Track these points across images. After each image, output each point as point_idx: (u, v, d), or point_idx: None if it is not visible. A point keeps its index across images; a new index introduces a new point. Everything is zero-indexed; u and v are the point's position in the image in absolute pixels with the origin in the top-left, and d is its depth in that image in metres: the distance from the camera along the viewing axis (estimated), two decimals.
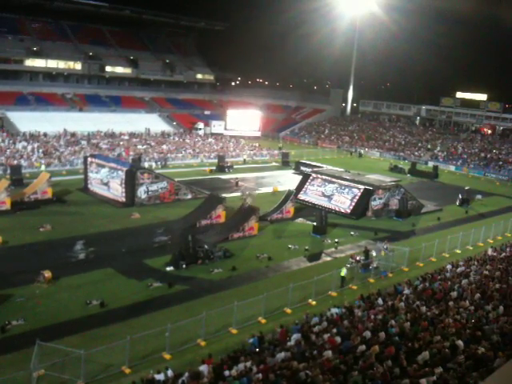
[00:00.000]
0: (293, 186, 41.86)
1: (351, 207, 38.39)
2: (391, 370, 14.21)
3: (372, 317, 18.65)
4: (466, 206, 43.46)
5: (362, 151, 75.97)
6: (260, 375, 14.25)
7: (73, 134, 62.73)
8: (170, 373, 15.05)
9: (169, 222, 33.21)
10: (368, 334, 16.93)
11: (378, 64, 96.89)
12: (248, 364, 14.98)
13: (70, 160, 51.13)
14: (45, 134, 61.05)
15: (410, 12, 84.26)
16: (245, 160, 60.74)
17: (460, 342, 15.83)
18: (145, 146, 61.40)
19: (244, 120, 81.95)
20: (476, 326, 17.27)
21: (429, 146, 75.79)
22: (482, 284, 22.37)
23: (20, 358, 16.56)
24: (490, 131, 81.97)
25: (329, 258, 29.05)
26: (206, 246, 27.51)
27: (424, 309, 19.32)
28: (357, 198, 38.57)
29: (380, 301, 20.72)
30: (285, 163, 59.32)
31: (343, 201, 39.15)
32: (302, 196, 41.27)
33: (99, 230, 30.64)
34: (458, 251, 31.08)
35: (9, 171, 42.40)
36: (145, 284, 23.33)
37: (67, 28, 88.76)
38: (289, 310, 21.58)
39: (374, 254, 28.12)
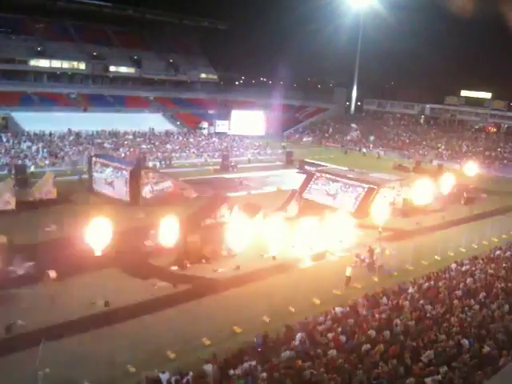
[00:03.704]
0: (297, 185, 41.85)
1: (356, 206, 38.34)
2: (396, 369, 14.20)
3: (376, 316, 18.63)
4: (471, 205, 43.31)
5: (365, 150, 75.95)
6: (264, 374, 14.26)
7: (77, 134, 62.92)
8: (173, 379, 14.99)
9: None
10: (373, 332, 16.90)
11: (382, 63, 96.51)
12: (252, 363, 14.99)
13: (74, 160, 51.29)
14: (49, 134, 61.26)
15: (414, 10, 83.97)
16: (249, 159, 60.76)
17: (465, 341, 15.80)
18: (149, 146, 61.52)
19: (248, 120, 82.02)
20: (481, 325, 17.22)
21: (438, 145, 75.59)
22: (487, 283, 22.31)
23: (25, 357, 16.58)
24: (494, 129, 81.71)
25: (333, 257, 29.02)
26: (210, 245, 27.54)
27: (429, 307, 19.28)
28: (361, 196, 38.52)
29: (384, 299, 20.69)
30: (289, 162, 59.33)
31: (348, 200, 39.10)
32: (306, 195, 41.23)
33: None
34: (463, 250, 30.97)
35: (13, 171, 42.57)
36: (149, 283, 23.37)
37: (71, 28, 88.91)
38: (293, 309, 21.56)
39: (378, 251, 28.11)
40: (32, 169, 45.49)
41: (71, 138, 61.43)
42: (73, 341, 17.61)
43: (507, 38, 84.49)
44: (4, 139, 56.13)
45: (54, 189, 37.04)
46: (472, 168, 47.85)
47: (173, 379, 14.84)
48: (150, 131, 71.00)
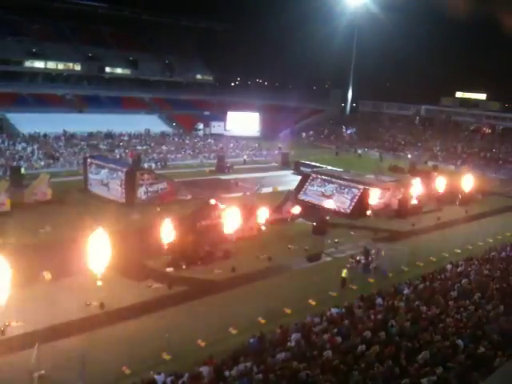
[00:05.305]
0: (293, 187, 41.88)
1: (351, 207, 38.42)
2: (391, 370, 14.20)
3: (372, 317, 18.64)
4: (466, 206, 43.41)
5: (360, 151, 76.14)
6: (260, 375, 14.24)
7: (72, 135, 62.76)
8: (169, 379, 14.96)
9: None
10: (368, 333, 16.91)
11: (378, 64, 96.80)
12: (248, 364, 14.97)
13: (69, 161, 51.17)
14: (44, 135, 61.07)
15: (409, 12, 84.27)
16: (245, 160, 60.78)
17: (460, 342, 15.82)
18: (144, 147, 61.45)
19: (244, 121, 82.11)
20: (476, 326, 17.26)
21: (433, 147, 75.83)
22: (482, 283, 22.36)
23: (20, 359, 16.53)
24: (489, 131, 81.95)
25: (329, 258, 29.07)
26: (205, 247, 27.51)
27: (424, 308, 19.31)
28: (357, 197, 38.58)
29: (380, 300, 20.71)
30: (284, 163, 59.35)
31: (343, 201, 39.16)
32: (301, 196, 41.27)
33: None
34: (458, 251, 31.06)
35: (8, 172, 42.37)
36: (144, 285, 23.32)
37: (66, 29, 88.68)
38: (289, 311, 21.57)
39: (373, 252, 28.16)
40: (23, 170, 44.12)
41: (63, 137, 61.24)
42: (68, 342, 17.56)
43: (502, 39, 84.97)
44: None
45: (49, 190, 36.92)
46: (469, 179, 46.85)
47: (168, 380, 14.81)
48: (145, 132, 70.89)
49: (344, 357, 15.14)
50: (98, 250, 21.32)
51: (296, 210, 36.27)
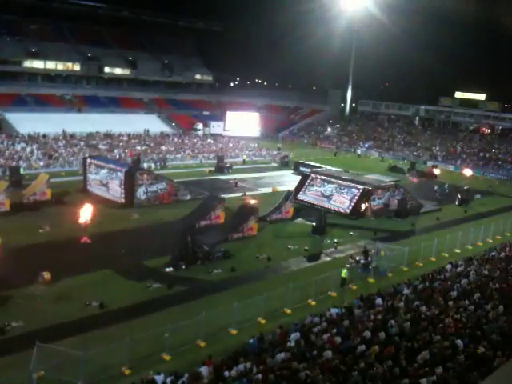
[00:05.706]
0: (292, 187, 41.87)
1: (350, 207, 38.41)
2: (391, 370, 14.21)
3: (372, 317, 18.64)
4: (466, 206, 43.48)
5: (359, 151, 76.22)
6: (260, 376, 14.24)
7: (72, 135, 62.75)
8: (169, 379, 14.95)
9: (168, 222, 33.19)
10: (368, 334, 16.92)
11: (377, 64, 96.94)
12: (248, 365, 14.97)
13: (69, 161, 51.11)
14: (44, 136, 61.03)
15: (409, 12, 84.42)
16: (244, 160, 60.76)
17: (460, 342, 15.84)
18: (144, 147, 61.41)
19: (243, 121, 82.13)
20: (476, 326, 17.27)
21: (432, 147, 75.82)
22: (481, 283, 22.37)
23: (19, 359, 16.50)
24: (488, 131, 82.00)
25: (328, 258, 29.06)
26: (205, 247, 27.49)
27: (424, 309, 19.32)
28: (356, 198, 38.58)
29: (379, 301, 20.71)
30: (284, 164, 59.33)
31: (342, 201, 39.15)
32: (301, 196, 41.27)
33: (98, 231, 30.55)
34: (458, 251, 31.09)
35: (8, 172, 42.31)
36: (144, 285, 23.31)
37: (66, 29, 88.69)
38: (288, 311, 21.57)
39: (372, 252, 28.18)
40: (22, 170, 43.91)
41: (62, 137, 61.16)
42: (67, 343, 17.52)
43: (501, 39, 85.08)
44: None
45: (48, 190, 36.88)
46: (468, 171, 49.02)
47: (168, 380, 14.81)
48: (144, 132, 70.86)
49: (344, 357, 15.15)
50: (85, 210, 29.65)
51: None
